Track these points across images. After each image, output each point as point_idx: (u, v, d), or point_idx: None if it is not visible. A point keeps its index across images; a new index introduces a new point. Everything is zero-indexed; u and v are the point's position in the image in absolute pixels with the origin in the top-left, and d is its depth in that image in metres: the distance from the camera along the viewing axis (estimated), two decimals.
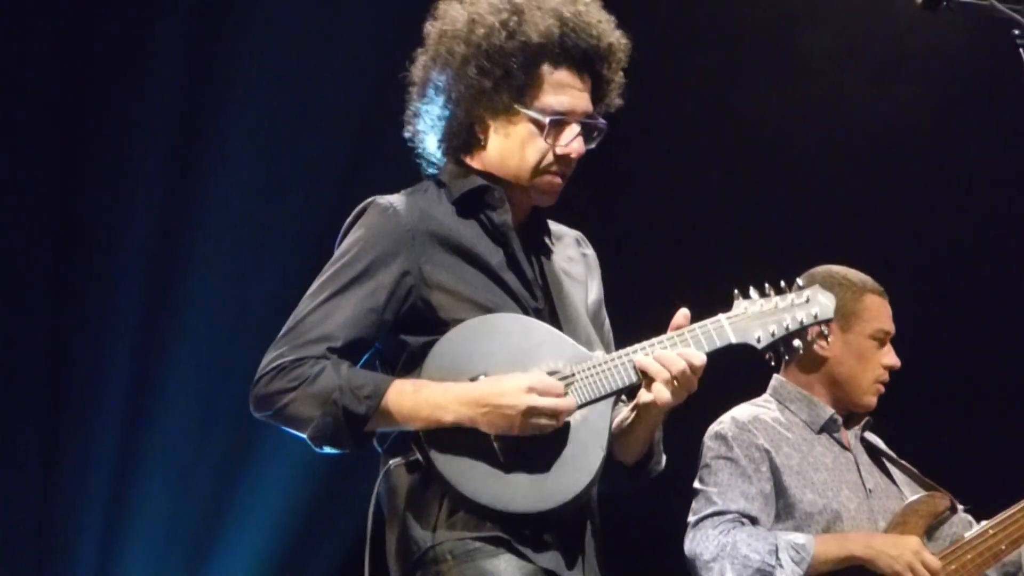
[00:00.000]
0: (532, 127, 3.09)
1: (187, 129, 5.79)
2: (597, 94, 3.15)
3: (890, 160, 6.01)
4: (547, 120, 3.08)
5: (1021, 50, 3.15)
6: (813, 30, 5.89)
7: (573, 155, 3.11)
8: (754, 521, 3.96)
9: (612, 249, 3.49)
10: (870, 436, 4.27)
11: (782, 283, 3.14)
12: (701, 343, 3.03)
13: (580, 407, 2.98)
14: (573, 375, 2.99)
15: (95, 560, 5.69)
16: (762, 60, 6.01)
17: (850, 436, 4.20)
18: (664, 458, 3.22)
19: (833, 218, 6.04)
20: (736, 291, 3.11)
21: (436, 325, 3.01)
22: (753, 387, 4.27)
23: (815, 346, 4.10)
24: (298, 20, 5.88)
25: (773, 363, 4.24)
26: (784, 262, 3.30)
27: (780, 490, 4.00)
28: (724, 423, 4.10)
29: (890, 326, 4.17)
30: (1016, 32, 3.18)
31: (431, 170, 3.22)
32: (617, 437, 3.11)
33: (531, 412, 2.90)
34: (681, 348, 3.01)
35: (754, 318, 3.08)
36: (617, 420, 3.12)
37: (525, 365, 2.97)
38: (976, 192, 6.00)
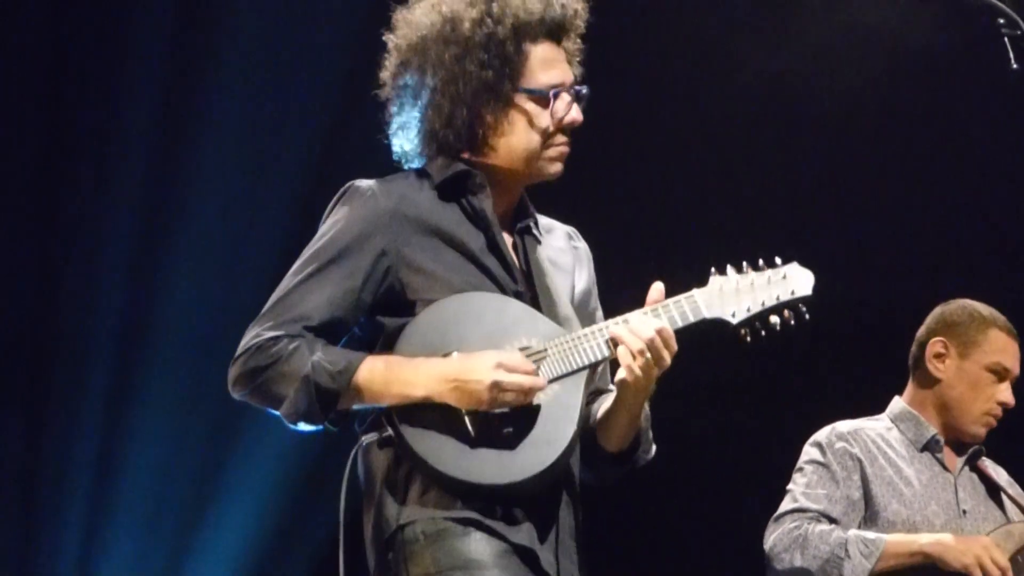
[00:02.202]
0: (534, 106, 3.10)
1: (169, 116, 5.79)
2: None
3: (862, 139, 6.02)
4: (550, 94, 3.09)
5: (1006, 38, 3.16)
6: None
7: (576, 123, 3.12)
8: (833, 522, 4.10)
9: (591, 231, 3.45)
10: (990, 467, 4.35)
11: (760, 261, 3.14)
12: (675, 318, 3.03)
13: (551, 382, 2.98)
14: (545, 351, 3.00)
15: (77, 553, 5.70)
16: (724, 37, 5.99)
17: (957, 460, 4.30)
18: (653, 447, 3.21)
19: (811, 197, 6.03)
20: (713, 268, 3.10)
21: (412, 306, 3.03)
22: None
23: (930, 366, 4.29)
24: (278, 9, 5.88)
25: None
26: (762, 242, 3.27)
27: (868, 499, 4.15)
28: (824, 432, 4.27)
29: (1012, 364, 4.27)
30: (1001, 21, 3.18)
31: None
32: (601, 424, 3.11)
33: (497, 387, 2.91)
34: (652, 320, 3.00)
35: (729, 294, 3.08)
36: (601, 408, 3.12)
37: (499, 343, 2.99)
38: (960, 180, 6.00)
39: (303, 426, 2.99)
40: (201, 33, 5.81)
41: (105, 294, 5.74)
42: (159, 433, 5.76)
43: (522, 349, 2.99)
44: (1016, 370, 4.28)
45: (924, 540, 4.01)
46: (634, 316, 3.03)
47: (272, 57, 5.86)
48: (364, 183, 3.12)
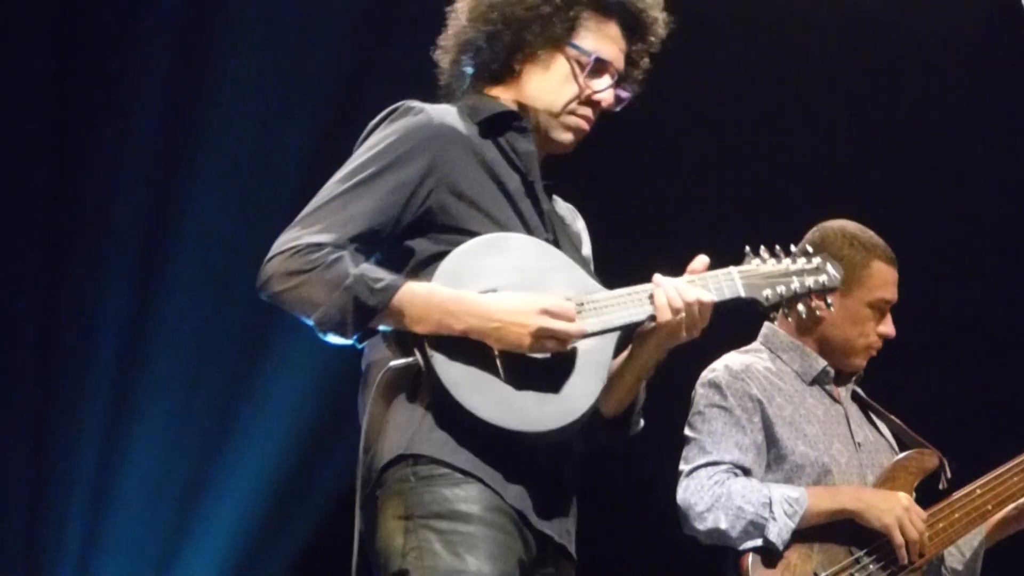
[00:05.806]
0: (574, 66, 3.12)
1: (171, 115, 5.83)
2: (626, 65, 3.19)
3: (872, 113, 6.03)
4: (592, 59, 3.12)
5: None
6: None
7: (604, 104, 3.14)
8: (747, 472, 3.92)
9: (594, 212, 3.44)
10: (857, 390, 4.22)
11: (792, 247, 3.19)
12: (710, 291, 3.03)
13: (588, 336, 2.94)
14: (583, 305, 2.96)
15: (78, 549, 5.76)
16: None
17: (842, 391, 4.15)
18: (642, 422, 3.20)
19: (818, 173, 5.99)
20: (747, 248, 3.13)
21: (448, 233, 2.99)
22: (740, 337, 4.21)
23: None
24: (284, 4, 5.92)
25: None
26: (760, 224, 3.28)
27: (771, 441, 3.96)
28: (717, 371, 4.04)
29: (893, 295, 4.10)
30: None
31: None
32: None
33: (541, 333, 2.87)
34: (696, 289, 3.01)
35: (764, 277, 3.11)
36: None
37: (537, 287, 2.94)
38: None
39: (332, 338, 2.92)
40: (207, 24, 5.83)
41: (109, 290, 5.76)
42: (160, 430, 5.79)
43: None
44: (895, 299, 4.10)
45: (844, 496, 3.89)
46: (678, 280, 3.02)
47: (276, 48, 5.89)
48: (416, 102, 3.07)
